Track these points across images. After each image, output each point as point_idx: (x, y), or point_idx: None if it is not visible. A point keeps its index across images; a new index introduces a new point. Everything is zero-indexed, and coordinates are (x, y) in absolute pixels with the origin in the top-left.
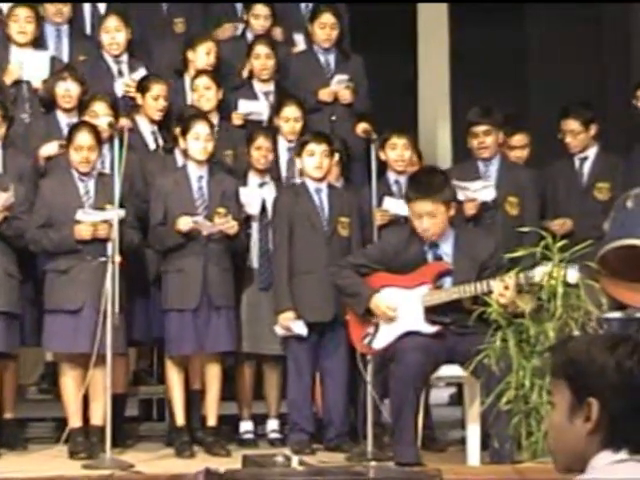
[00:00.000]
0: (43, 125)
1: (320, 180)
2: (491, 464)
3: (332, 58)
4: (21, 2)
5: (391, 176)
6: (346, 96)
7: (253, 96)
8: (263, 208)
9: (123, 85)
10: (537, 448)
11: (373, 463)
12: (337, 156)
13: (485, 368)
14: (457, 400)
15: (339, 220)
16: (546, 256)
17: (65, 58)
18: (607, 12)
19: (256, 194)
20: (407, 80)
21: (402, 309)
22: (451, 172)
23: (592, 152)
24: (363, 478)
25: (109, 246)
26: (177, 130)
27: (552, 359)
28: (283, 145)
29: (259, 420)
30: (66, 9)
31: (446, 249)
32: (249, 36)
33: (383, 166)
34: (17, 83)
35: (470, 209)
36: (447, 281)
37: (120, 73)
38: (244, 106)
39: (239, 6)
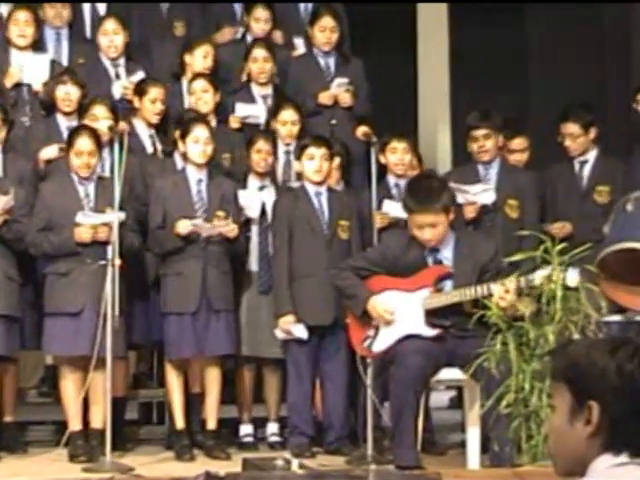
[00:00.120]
0: (43, 128)
1: (320, 184)
2: (491, 467)
3: (332, 61)
4: (22, 1)
5: (391, 179)
6: (346, 99)
7: (251, 99)
8: (263, 211)
9: (121, 88)
10: (537, 451)
11: (373, 466)
12: (338, 160)
13: (485, 371)
14: (457, 403)
15: (339, 223)
16: (546, 259)
17: (65, 61)
18: (607, 12)
19: (256, 197)
20: (407, 81)
21: (402, 312)
22: (451, 175)
23: (592, 155)
24: None
25: (109, 249)
26: (176, 133)
27: (553, 362)
28: (280, 148)
29: (259, 423)
30: (65, 12)
31: (446, 253)
32: (249, 39)
33: (383, 169)
34: (17, 86)
35: (470, 212)
36: (447, 284)
37: (117, 76)
38: (241, 109)
39: (238, 10)
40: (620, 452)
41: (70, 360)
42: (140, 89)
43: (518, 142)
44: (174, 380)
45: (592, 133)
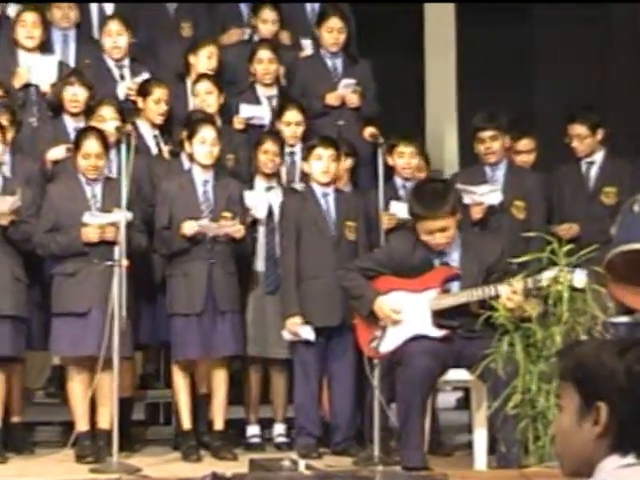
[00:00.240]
0: (50, 129)
1: (327, 184)
2: (498, 468)
3: (339, 62)
4: (30, 2)
5: (398, 180)
6: (353, 100)
7: (256, 100)
8: (270, 212)
9: (126, 88)
10: (544, 452)
11: (380, 467)
12: (349, 161)
13: (492, 372)
14: (464, 404)
15: (346, 224)
16: (553, 261)
17: (72, 62)
18: (616, 12)
19: (262, 198)
20: (414, 81)
21: (409, 313)
22: (458, 176)
23: (599, 156)
24: None
25: (116, 249)
26: (183, 134)
27: (561, 362)
28: (284, 149)
29: (266, 424)
30: (73, 13)
31: (453, 254)
32: (256, 40)
33: (390, 170)
34: (25, 87)
35: (477, 213)
36: (454, 285)
37: (122, 77)
38: (246, 110)
39: (245, 11)
40: (628, 453)
41: (77, 361)
42: (144, 90)
43: (525, 143)
44: (180, 381)
45: (599, 134)
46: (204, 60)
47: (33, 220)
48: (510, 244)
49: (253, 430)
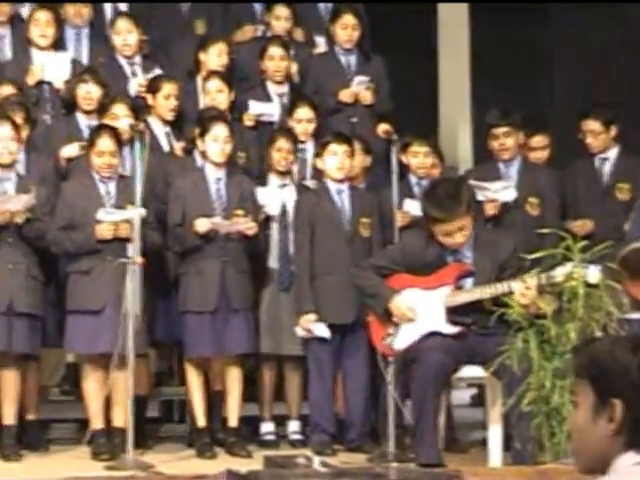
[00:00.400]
0: (64, 127)
1: (341, 181)
2: (513, 465)
3: (353, 59)
4: (43, 1)
5: (412, 178)
6: (367, 97)
7: (266, 97)
8: (283, 209)
9: (137, 85)
10: (559, 449)
11: (394, 464)
12: (369, 159)
13: (506, 369)
14: (478, 401)
15: (360, 221)
16: (567, 257)
17: (85, 60)
18: (630, 12)
19: (276, 195)
20: (428, 79)
21: (423, 310)
22: (472, 173)
23: (613, 153)
24: (384, 479)
25: (130, 247)
26: (196, 132)
27: (575, 359)
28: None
29: (280, 421)
30: (86, 11)
31: (466, 250)
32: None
33: (404, 168)
34: (39, 84)
35: (490, 210)
36: (468, 282)
37: (134, 74)
38: (255, 107)
39: (258, 8)
40: None
41: (92, 358)
42: (153, 86)
43: (538, 140)
44: (194, 379)
45: (613, 130)
46: (214, 58)
47: (47, 218)
48: (524, 241)
49: (267, 427)
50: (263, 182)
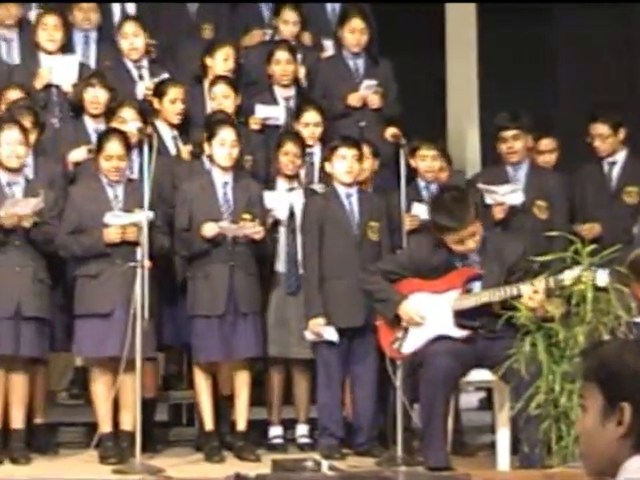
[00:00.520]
0: (71, 130)
1: (350, 185)
2: (521, 469)
3: (361, 63)
4: (52, 1)
5: (421, 182)
6: (375, 101)
7: (273, 101)
8: (291, 213)
9: (144, 89)
10: (567, 453)
11: (403, 468)
12: (377, 163)
13: (514, 373)
14: (487, 404)
15: (369, 225)
16: (575, 260)
17: (93, 64)
18: (636, 12)
19: (283, 199)
20: (435, 81)
21: (432, 314)
22: (479, 176)
23: (621, 156)
24: None
25: (138, 250)
26: (203, 135)
27: (584, 362)
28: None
29: (288, 425)
30: (94, 15)
31: (474, 255)
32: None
33: (413, 171)
34: (47, 88)
35: (499, 213)
36: (476, 286)
37: (141, 77)
38: (261, 110)
39: (266, 12)
40: None
41: (100, 362)
42: (159, 90)
43: (546, 143)
44: (202, 382)
45: (621, 134)
46: (220, 62)
47: (55, 222)
48: (532, 244)
49: (276, 431)
50: (270, 186)
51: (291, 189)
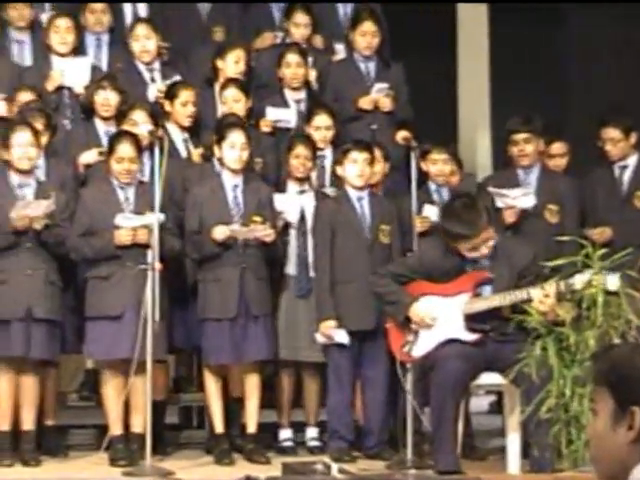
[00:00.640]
0: (83, 132)
1: (362, 188)
2: (531, 473)
3: (372, 66)
4: (66, 1)
5: (432, 185)
6: (386, 104)
7: (284, 104)
8: (302, 216)
9: (156, 91)
10: (577, 457)
11: (413, 471)
12: (387, 166)
13: (525, 376)
14: (497, 408)
15: (380, 228)
16: (586, 264)
17: (104, 67)
18: None
19: (294, 202)
20: (446, 83)
21: (442, 317)
22: (490, 180)
23: (632, 160)
24: None
25: (149, 252)
26: (213, 138)
27: (595, 366)
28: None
29: (298, 428)
30: (106, 18)
31: (484, 258)
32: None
33: (424, 175)
34: (58, 90)
35: (510, 217)
36: (486, 289)
37: (153, 80)
38: (272, 113)
39: (277, 15)
40: None
41: (111, 364)
42: (170, 93)
43: (557, 147)
44: (212, 385)
45: (633, 138)
46: (231, 65)
47: (67, 224)
48: (543, 248)
49: (286, 434)
50: (281, 188)
51: (302, 192)
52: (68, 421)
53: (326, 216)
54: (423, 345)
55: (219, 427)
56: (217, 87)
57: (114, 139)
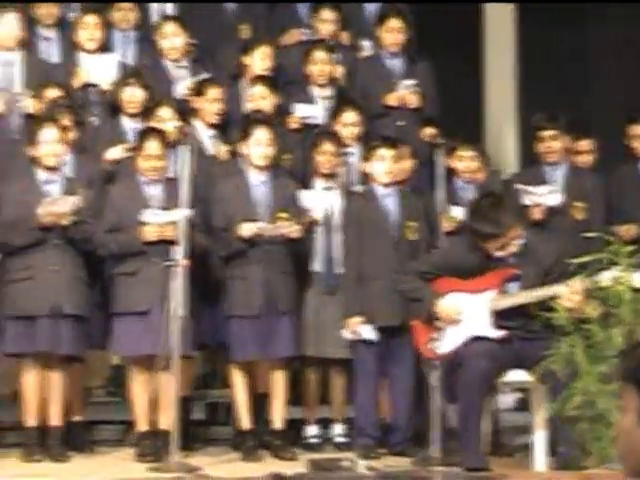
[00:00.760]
0: (109, 129)
1: (389, 185)
2: (558, 470)
3: (399, 63)
4: (92, 1)
5: (458, 182)
6: (413, 101)
7: (310, 101)
8: (328, 212)
9: (184, 88)
10: (604, 454)
11: (439, 468)
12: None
13: (552, 373)
14: (523, 405)
15: (407, 225)
16: (613, 261)
17: (131, 63)
18: None
19: (320, 198)
20: (473, 81)
21: (468, 314)
22: (517, 177)
23: None
24: None
25: (176, 249)
26: (240, 135)
27: (622, 363)
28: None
29: (325, 424)
30: (132, 15)
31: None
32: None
33: (450, 172)
34: (85, 87)
35: (536, 214)
36: (513, 287)
37: (180, 77)
38: (300, 110)
39: (304, 11)
40: None
41: (138, 360)
42: (198, 90)
43: (584, 144)
44: (239, 381)
45: None
46: (258, 61)
47: (94, 220)
48: (570, 245)
49: (312, 430)
50: (307, 185)
51: (328, 188)
52: (94, 417)
53: (353, 213)
54: (449, 342)
55: (245, 423)
56: (244, 84)
57: (142, 136)
